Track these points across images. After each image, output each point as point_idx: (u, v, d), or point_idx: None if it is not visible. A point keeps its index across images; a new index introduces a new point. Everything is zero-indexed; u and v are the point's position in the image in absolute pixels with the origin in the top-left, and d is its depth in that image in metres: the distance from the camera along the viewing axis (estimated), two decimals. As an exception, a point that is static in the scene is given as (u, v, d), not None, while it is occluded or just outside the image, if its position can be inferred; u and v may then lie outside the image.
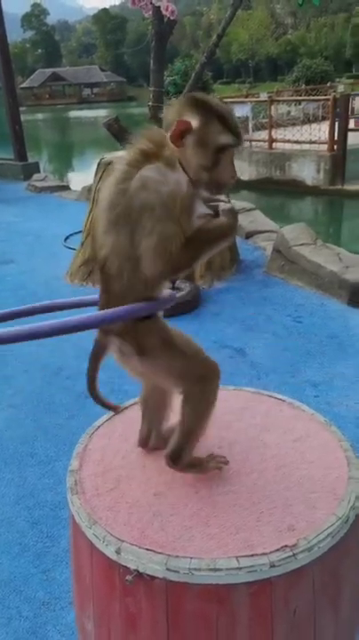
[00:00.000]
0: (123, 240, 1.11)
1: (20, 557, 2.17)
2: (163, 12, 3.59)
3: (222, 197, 1.21)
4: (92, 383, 1.38)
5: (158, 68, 3.83)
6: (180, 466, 1.25)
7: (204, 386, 1.22)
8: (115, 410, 1.51)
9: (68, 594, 1.92)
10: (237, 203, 6.69)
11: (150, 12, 3.70)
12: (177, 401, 1.28)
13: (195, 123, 1.08)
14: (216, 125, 1.09)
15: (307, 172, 12.03)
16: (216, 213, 1.17)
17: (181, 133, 1.08)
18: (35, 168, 10.99)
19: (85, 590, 1.21)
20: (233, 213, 1.16)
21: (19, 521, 2.35)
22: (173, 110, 1.12)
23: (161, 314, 1.25)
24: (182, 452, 1.24)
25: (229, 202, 1.21)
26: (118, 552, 1.06)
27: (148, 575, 1.03)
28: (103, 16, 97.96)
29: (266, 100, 13.78)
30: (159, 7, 3.58)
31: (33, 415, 3.09)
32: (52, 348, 3.57)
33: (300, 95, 18.06)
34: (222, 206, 1.16)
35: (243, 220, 6.24)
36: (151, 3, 3.58)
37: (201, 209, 1.16)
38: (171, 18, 3.61)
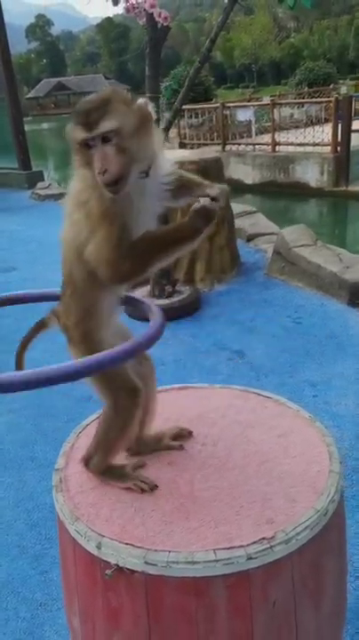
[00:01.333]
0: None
1: (19, 559, 2.19)
2: (157, 19, 3.62)
3: (212, 191, 1.15)
4: (22, 348, 1.44)
5: (153, 74, 3.86)
6: (92, 470, 1.30)
7: (115, 402, 1.26)
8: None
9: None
10: (239, 206, 6.70)
11: (144, 20, 3.74)
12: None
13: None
14: (73, 122, 1.09)
15: (311, 175, 12.03)
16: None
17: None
18: (39, 177, 11.08)
19: (71, 586, 1.22)
20: (204, 214, 1.11)
21: (19, 523, 2.37)
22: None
23: (114, 320, 1.30)
24: (91, 458, 1.29)
25: (214, 198, 1.13)
26: (99, 547, 1.08)
27: (128, 569, 1.05)
28: (107, 25, 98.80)
29: (268, 104, 13.82)
30: (152, 14, 3.61)
31: (33, 419, 3.12)
32: (52, 354, 3.59)
33: (303, 98, 18.08)
34: (194, 206, 1.12)
35: (244, 223, 6.26)
36: (144, 10, 3.62)
37: (148, 204, 1.15)
38: (165, 24, 3.64)
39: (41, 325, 1.39)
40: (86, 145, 1.06)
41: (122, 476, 1.28)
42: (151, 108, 1.11)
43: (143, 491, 1.23)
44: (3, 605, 1.99)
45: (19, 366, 1.44)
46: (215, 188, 1.17)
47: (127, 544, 1.07)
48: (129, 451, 1.39)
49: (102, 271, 1.12)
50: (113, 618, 1.11)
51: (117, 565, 1.06)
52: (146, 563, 1.03)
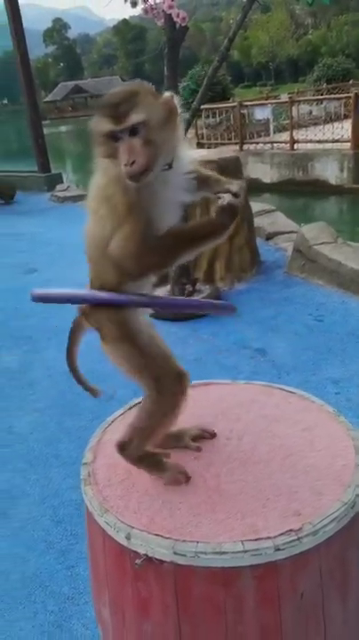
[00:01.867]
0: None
1: (46, 554, 2.23)
2: (175, 19, 3.65)
3: (232, 187, 1.18)
4: (71, 358, 1.42)
5: (172, 75, 3.88)
6: (127, 457, 1.28)
7: (160, 390, 1.25)
8: (93, 393, 1.49)
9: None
10: (258, 205, 6.69)
11: (162, 20, 3.77)
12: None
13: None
14: (98, 115, 1.09)
15: (331, 172, 11.95)
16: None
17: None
18: (58, 179, 11.19)
19: (100, 577, 1.25)
20: (229, 211, 1.14)
21: (45, 519, 2.42)
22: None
23: (142, 311, 1.29)
24: (127, 445, 1.27)
25: (235, 194, 1.16)
26: (128, 538, 1.10)
27: (157, 559, 1.07)
28: (123, 27, 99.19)
29: (286, 102, 13.76)
30: (171, 14, 3.64)
31: (57, 418, 3.17)
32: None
33: (322, 94, 17.95)
34: (220, 202, 1.15)
35: (264, 222, 6.25)
36: (162, 10, 3.65)
37: (172, 195, 1.16)
38: (183, 24, 3.67)
39: (76, 329, 1.37)
40: (113, 137, 1.07)
41: (158, 465, 1.28)
42: (177, 101, 1.13)
43: (179, 483, 1.23)
44: (32, 598, 2.04)
45: (76, 377, 1.47)
46: (235, 185, 1.19)
47: (156, 535, 1.09)
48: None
49: (127, 264, 1.14)
50: (142, 607, 1.13)
51: (146, 555, 1.08)
52: (174, 553, 1.05)
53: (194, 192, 1.22)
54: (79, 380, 1.47)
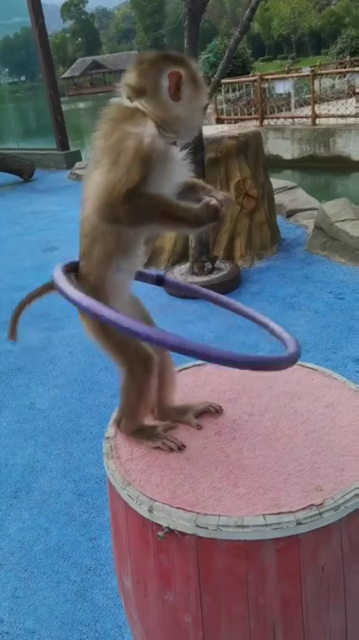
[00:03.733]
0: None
1: (68, 526, 2.28)
2: (196, -11, 3.56)
3: (217, 195, 1.21)
4: (22, 306, 1.46)
5: (192, 47, 3.80)
6: (123, 431, 1.36)
7: (130, 369, 1.30)
8: (11, 335, 1.50)
9: (113, 560, 2.01)
10: (278, 182, 6.59)
11: (183, -9, 3.68)
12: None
13: (183, 72, 1.14)
14: (196, 67, 1.17)
15: (353, 147, 11.67)
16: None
17: (177, 85, 1.14)
18: (77, 156, 11.13)
19: (123, 549, 1.27)
20: (211, 211, 1.14)
21: (67, 493, 2.46)
22: (140, 73, 1.17)
23: (124, 291, 1.31)
24: (121, 419, 1.35)
25: (222, 205, 1.17)
26: (151, 510, 1.12)
27: (179, 532, 1.08)
28: (141, 0, 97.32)
29: (308, 75, 13.42)
30: (191, -15, 3.55)
31: (77, 394, 3.20)
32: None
33: (345, 67, 17.48)
34: (206, 199, 1.16)
35: (284, 199, 6.16)
36: (183, -20, 3.56)
37: (177, 170, 1.19)
38: (204, -6, 3.58)
39: (49, 287, 1.37)
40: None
41: (151, 436, 1.33)
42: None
43: (171, 450, 1.28)
44: (55, 569, 2.08)
45: (12, 325, 1.49)
46: (221, 194, 1.23)
47: (178, 508, 1.10)
48: (152, 414, 1.43)
49: (100, 203, 1.12)
50: (164, 578, 1.15)
51: (169, 528, 1.09)
52: (197, 526, 1.06)
53: (182, 197, 1.23)
54: (13, 323, 1.49)
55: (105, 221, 1.16)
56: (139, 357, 1.29)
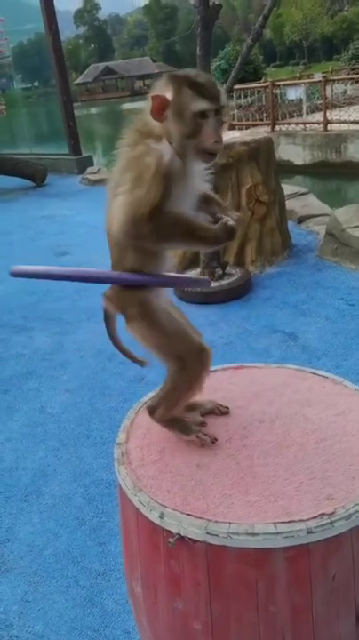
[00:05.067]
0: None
1: (78, 531, 2.28)
2: (209, -3, 3.58)
3: (232, 215, 1.25)
4: (113, 338, 1.46)
5: (204, 54, 3.82)
6: (157, 419, 1.37)
7: (181, 366, 1.31)
8: (141, 363, 1.52)
9: (122, 565, 2.01)
10: (290, 187, 6.59)
11: (196, -2, 3.71)
12: None
13: (169, 95, 1.13)
14: (188, 93, 1.12)
15: (365, 153, 11.65)
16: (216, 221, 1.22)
17: (159, 108, 1.13)
18: (88, 161, 11.20)
19: (133, 554, 1.27)
20: (229, 231, 1.18)
21: (77, 497, 2.47)
22: (154, 89, 1.17)
23: (162, 291, 1.33)
24: (156, 409, 1.37)
25: (235, 224, 1.22)
26: (161, 517, 1.12)
27: (190, 539, 1.08)
28: (154, 6, 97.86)
29: (320, 81, 13.41)
30: (204, -8, 3.57)
31: (88, 399, 3.21)
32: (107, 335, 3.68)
33: (357, 73, 17.45)
34: (225, 219, 1.20)
35: (295, 205, 6.15)
36: (196, -12, 3.58)
37: (196, 184, 1.21)
38: (217, 2, 3.60)
39: (107, 314, 1.41)
40: (202, 115, 1.13)
41: (185, 429, 1.35)
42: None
43: (203, 445, 1.30)
44: (65, 573, 2.09)
45: (128, 355, 1.50)
46: (235, 214, 1.27)
47: (189, 515, 1.10)
48: None
49: (126, 221, 1.15)
50: (174, 585, 1.15)
51: (179, 535, 1.09)
52: (207, 533, 1.06)
53: (197, 207, 1.26)
54: (128, 355, 1.51)
55: (131, 238, 1.19)
56: (194, 352, 1.31)
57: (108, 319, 1.42)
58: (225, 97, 1.16)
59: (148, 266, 1.26)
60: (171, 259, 1.32)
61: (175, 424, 1.37)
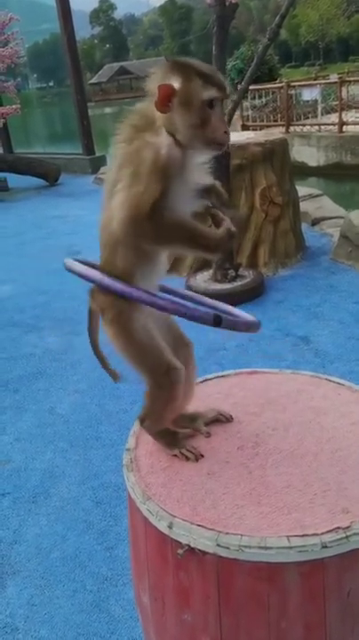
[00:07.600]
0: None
1: (85, 534, 2.26)
2: (225, -4, 3.55)
3: (231, 213, 1.22)
4: (93, 338, 1.44)
5: (220, 54, 3.78)
6: (145, 430, 1.35)
7: (155, 381, 1.28)
8: (113, 377, 1.49)
9: (130, 571, 1.98)
10: (304, 189, 6.53)
11: (212, -2, 3.67)
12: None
13: (176, 84, 1.08)
14: (197, 82, 1.08)
15: (381, 156, 11.54)
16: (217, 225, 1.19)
17: (165, 98, 1.08)
18: (102, 161, 11.21)
19: (141, 563, 1.24)
20: (230, 236, 1.16)
21: (85, 500, 2.44)
22: (154, 80, 1.11)
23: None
24: (145, 420, 1.34)
25: (233, 227, 1.19)
26: (170, 527, 1.09)
27: (200, 550, 1.05)
28: (169, 6, 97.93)
29: (335, 82, 13.30)
30: (221, -9, 3.54)
31: (98, 400, 3.19)
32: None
33: (373, 74, 17.29)
34: (228, 226, 1.16)
35: (309, 207, 6.10)
36: (213, -13, 3.55)
37: (196, 177, 1.17)
38: (233, 1, 3.56)
39: (93, 314, 1.38)
40: (210, 104, 1.10)
41: (170, 443, 1.31)
42: None
43: (187, 459, 1.26)
44: (71, 577, 2.07)
45: (102, 361, 1.48)
46: (233, 212, 1.23)
47: (199, 525, 1.07)
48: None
49: (127, 218, 1.11)
50: (183, 597, 1.12)
51: (189, 546, 1.06)
52: (218, 545, 1.03)
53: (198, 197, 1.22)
54: (101, 362, 1.48)
55: (131, 236, 1.14)
56: (163, 369, 1.26)
57: (91, 317, 1.39)
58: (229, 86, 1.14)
59: (141, 269, 1.21)
60: (165, 264, 1.28)
61: (162, 437, 1.33)
